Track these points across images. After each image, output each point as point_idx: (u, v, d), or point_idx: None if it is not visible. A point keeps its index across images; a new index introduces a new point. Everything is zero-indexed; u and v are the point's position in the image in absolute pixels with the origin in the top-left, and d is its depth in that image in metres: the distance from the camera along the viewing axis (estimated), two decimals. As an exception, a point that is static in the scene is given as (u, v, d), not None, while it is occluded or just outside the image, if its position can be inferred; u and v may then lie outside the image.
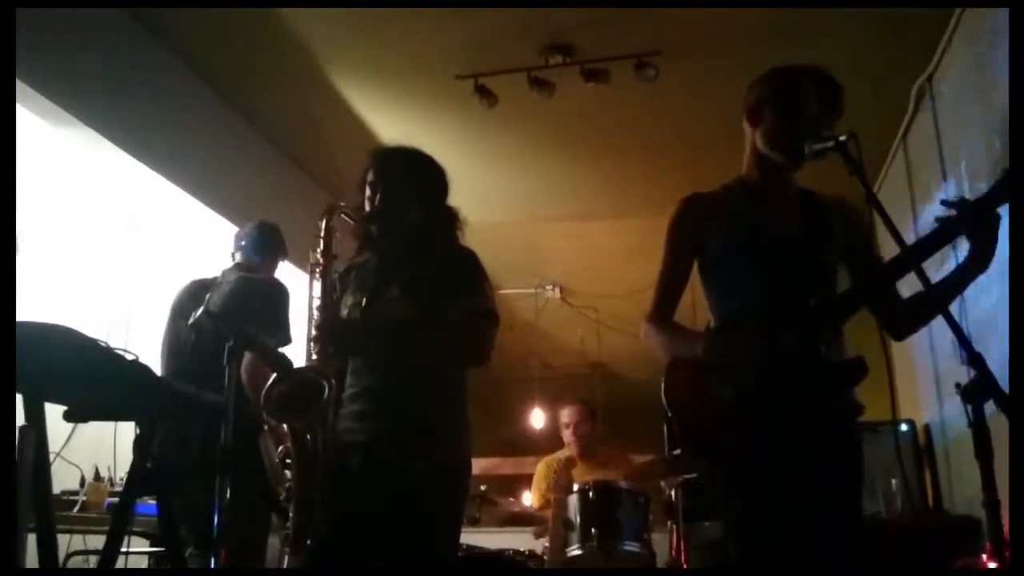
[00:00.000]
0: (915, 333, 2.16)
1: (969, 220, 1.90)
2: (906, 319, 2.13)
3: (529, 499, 4.83)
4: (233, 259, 3.46)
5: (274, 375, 2.09)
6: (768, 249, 2.09)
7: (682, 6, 3.94)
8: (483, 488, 4.21)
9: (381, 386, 2.20)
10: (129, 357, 1.92)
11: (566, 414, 4.63)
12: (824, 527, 1.96)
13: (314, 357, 2.15)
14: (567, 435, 4.61)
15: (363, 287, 2.32)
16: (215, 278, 3.35)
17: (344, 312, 2.31)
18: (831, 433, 2.01)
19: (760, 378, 1.96)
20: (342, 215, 2.33)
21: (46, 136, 3.82)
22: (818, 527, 1.95)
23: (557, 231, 6.61)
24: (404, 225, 2.32)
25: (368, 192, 2.35)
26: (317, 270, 2.26)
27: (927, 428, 4.72)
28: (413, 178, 2.37)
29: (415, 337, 2.23)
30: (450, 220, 2.39)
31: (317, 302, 2.23)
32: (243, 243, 3.49)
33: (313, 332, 2.17)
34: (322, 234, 2.28)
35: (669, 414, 2.07)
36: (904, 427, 4.59)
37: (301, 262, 5.30)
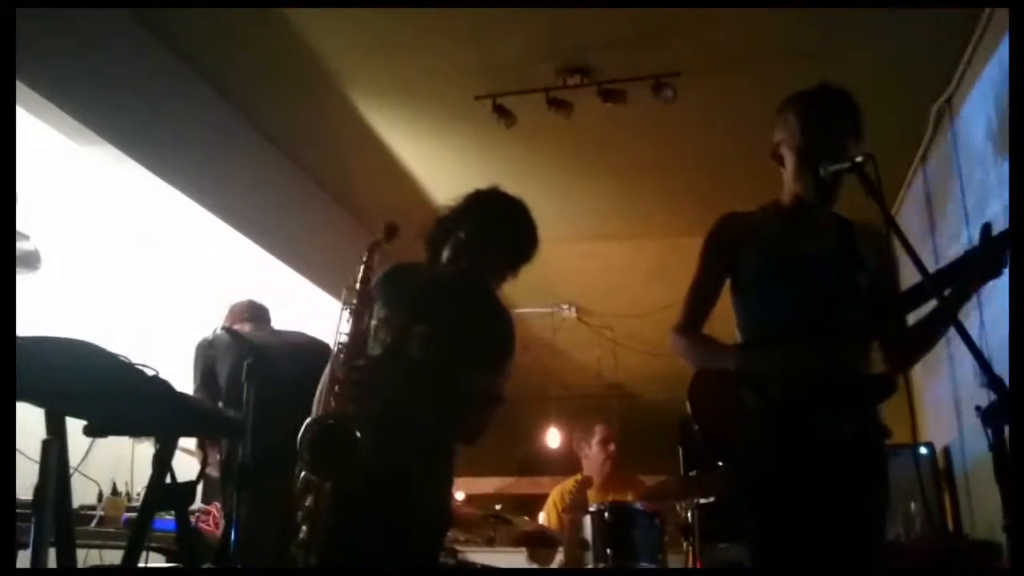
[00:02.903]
0: (914, 365, 2.18)
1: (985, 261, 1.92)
2: (908, 349, 2.15)
3: (542, 520, 4.80)
4: (246, 327, 3.53)
5: (306, 422, 2.03)
6: (801, 272, 2.11)
7: (700, 28, 3.96)
8: (498, 507, 4.20)
9: (382, 419, 2.18)
10: (150, 372, 1.94)
11: (602, 429, 4.58)
12: (841, 547, 1.96)
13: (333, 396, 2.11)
14: (599, 452, 4.53)
15: (399, 308, 2.28)
16: (254, 334, 3.40)
17: (373, 323, 2.27)
18: (855, 454, 2.01)
19: (787, 391, 1.97)
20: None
21: (70, 154, 3.87)
22: (835, 546, 1.95)
23: (574, 251, 6.61)
24: (475, 268, 2.32)
25: (476, 223, 2.34)
26: (351, 307, 2.20)
27: (947, 451, 4.67)
28: (511, 238, 2.38)
29: (424, 386, 2.20)
30: (511, 276, 2.41)
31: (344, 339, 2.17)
32: (252, 315, 3.66)
33: (342, 374, 2.11)
34: (360, 276, 2.21)
35: (692, 422, 2.08)
36: (924, 450, 4.55)
37: (318, 278, 5.31)
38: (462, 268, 2.31)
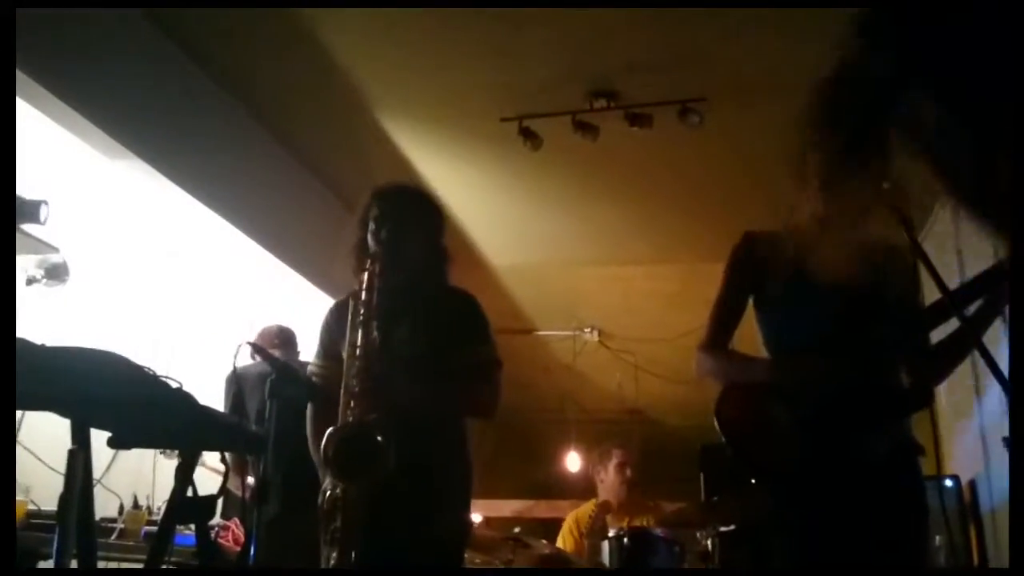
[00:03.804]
0: (939, 383, 2.16)
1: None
2: (932, 368, 2.13)
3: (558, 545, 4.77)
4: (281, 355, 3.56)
5: (328, 431, 2.11)
6: (825, 290, 2.10)
7: (727, 54, 3.97)
8: (516, 530, 4.17)
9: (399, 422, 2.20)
10: (174, 385, 1.95)
11: (619, 453, 4.57)
12: (880, 563, 1.93)
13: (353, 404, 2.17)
14: (615, 476, 4.52)
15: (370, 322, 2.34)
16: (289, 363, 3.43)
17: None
18: (891, 469, 1.99)
19: (820, 404, 1.95)
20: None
21: (101, 168, 3.92)
22: (873, 562, 1.93)
23: (597, 274, 6.60)
24: (408, 260, 2.40)
25: (372, 227, 2.43)
26: (358, 317, 2.28)
27: (972, 484, 4.60)
28: (416, 215, 2.48)
29: (429, 384, 2.26)
30: (446, 257, 2.51)
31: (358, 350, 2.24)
32: (280, 341, 3.73)
33: (361, 382, 2.18)
34: (364, 284, 2.31)
35: (721, 438, 2.06)
36: (949, 483, 4.48)
37: (340, 295, 5.33)
38: (388, 244, 2.39)
